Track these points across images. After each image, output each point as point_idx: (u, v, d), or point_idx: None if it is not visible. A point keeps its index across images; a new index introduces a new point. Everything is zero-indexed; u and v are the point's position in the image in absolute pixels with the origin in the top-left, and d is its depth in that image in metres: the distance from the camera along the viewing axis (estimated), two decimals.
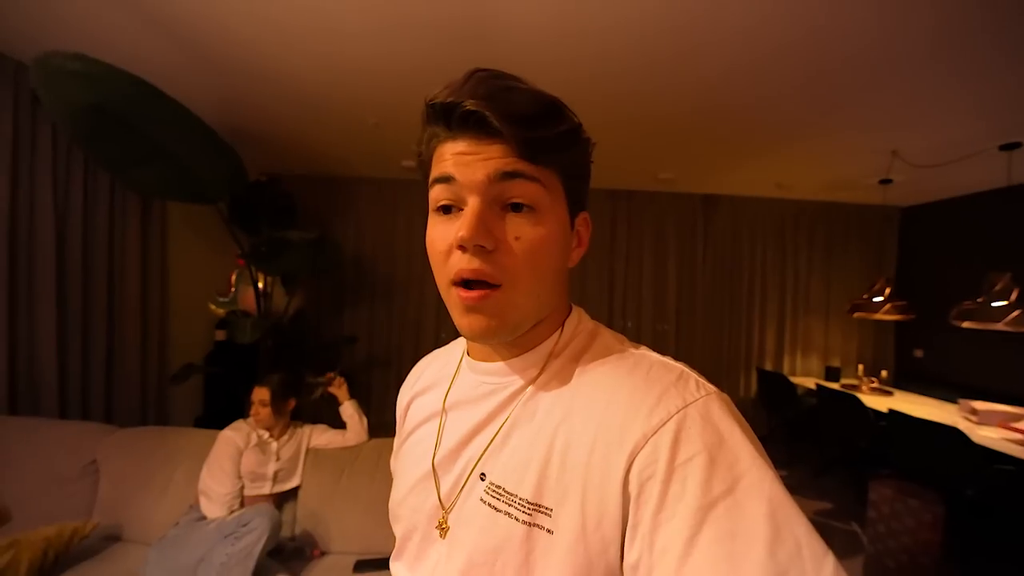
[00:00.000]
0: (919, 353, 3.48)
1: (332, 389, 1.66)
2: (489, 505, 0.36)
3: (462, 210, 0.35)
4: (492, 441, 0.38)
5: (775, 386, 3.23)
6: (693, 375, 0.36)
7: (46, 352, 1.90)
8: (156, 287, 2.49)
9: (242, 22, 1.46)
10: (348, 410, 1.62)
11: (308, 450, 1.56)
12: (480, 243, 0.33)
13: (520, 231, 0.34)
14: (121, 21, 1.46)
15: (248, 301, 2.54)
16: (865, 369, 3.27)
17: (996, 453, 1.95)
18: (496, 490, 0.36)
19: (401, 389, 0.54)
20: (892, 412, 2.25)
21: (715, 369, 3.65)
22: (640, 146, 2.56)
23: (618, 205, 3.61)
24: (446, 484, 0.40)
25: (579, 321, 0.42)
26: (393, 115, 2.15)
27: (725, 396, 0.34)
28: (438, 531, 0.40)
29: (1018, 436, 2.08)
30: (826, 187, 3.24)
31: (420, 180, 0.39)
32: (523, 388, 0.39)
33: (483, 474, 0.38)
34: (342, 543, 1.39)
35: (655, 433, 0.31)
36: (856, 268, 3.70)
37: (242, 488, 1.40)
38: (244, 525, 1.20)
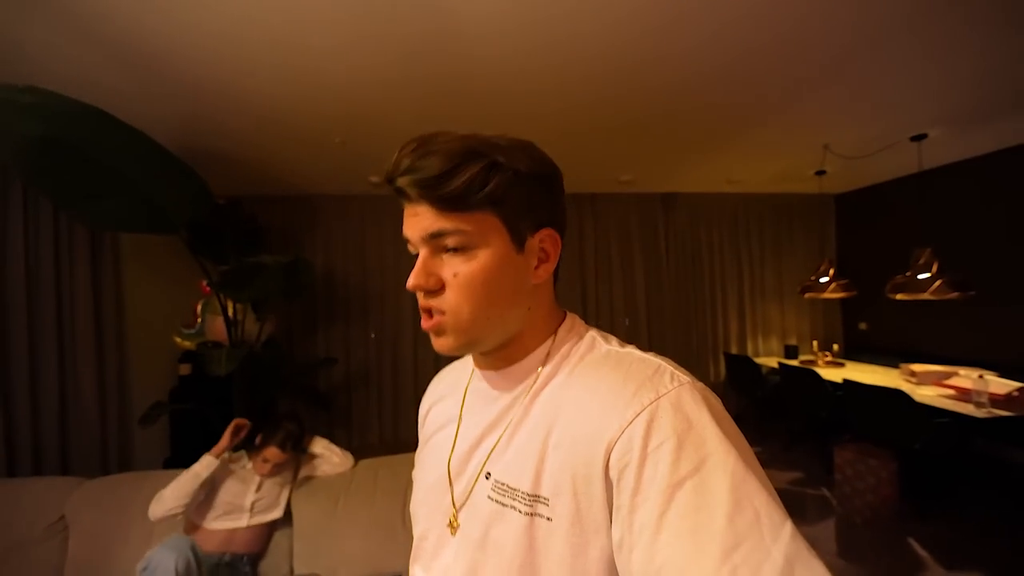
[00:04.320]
0: (864, 326, 3.83)
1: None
2: (496, 501, 0.40)
3: None
4: (497, 443, 0.42)
5: (742, 368, 3.44)
6: (669, 368, 0.39)
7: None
8: (111, 324, 2.34)
9: (198, 41, 1.42)
10: (318, 447, 1.56)
11: (296, 480, 1.52)
12: (422, 288, 0.40)
13: (456, 268, 0.40)
14: (67, 46, 1.39)
15: (217, 331, 2.42)
16: (819, 345, 3.56)
17: (935, 409, 2.18)
18: (501, 487, 0.40)
19: (423, 399, 0.59)
20: (846, 382, 2.47)
21: (685, 357, 3.84)
22: (600, 152, 2.69)
23: (583, 208, 3.74)
24: (459, 485, 0.45)
25: (572, 327, 0.47)
26: (359, 131, 2.14)
27: (700, 385, 0.37)
28: (449, 529, 0.44)
29: (950, 392, 2.34)
30: (771, 180, 3.51)
31: None
32: (523, 393, 0.43)
33: (488, 473, 0.42)
34: (348, 569, 1.36)
35: (629, 425, 0.34)
36: (802, 252, 4.02)
37: (196, 496, 1.35)
38: (144, 569, 1.14)
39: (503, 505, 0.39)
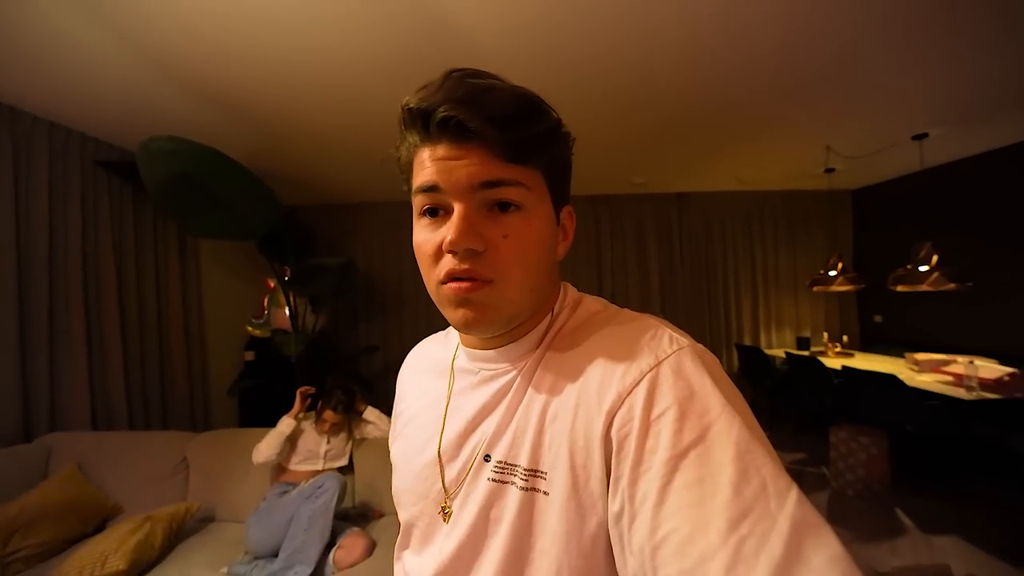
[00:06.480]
0: (878, 318, 3.89)
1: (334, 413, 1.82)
2: (497, 481, 0.38)
3: (449, 213, 0.35)
4: (496, 425, 0.40)
5: (753, 359, 3.61)
6: (667, 331, 0.37)
7: (115, 375, 2.22)
8: (195, 315, 2.80)
9: (281, 90, 1.80)
10: (371, 415, 1.90)
11: (357, 438, 1.89)
12: (470, 247, 0.34)
13: (508, 229, 0.35)
14: (192, 104, 1.81)
15: (280, 321, 2.85)
16: (830, 336, 3.67)
17: (932, 394, 2.32)
18: (500, 465, 0.38)
19: (401, 371, 0.56)
20: (844, 368, 2.63)
21: None
22: (614, 156, 2.94)
23: (599, 209, 3.99)
24: (451, 471, 0.42)
25: (565, 296, 0.45)
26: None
27: (699, 347, 0.36)
28: (441, 516, 0.42)
29: (947, 378, 2.47)
30: (781, 178, 3.65)
31: (401, 182, 0.39)
32: (520, 371, 0.41)
33: (488, 456, 0.39)
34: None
35: (629, 393, 0.33)
36: (818, 247, 4.10)
37: (284, 447, 1.71)
38: (319, 487, 1.52)
39: (503, 483, 0.38)
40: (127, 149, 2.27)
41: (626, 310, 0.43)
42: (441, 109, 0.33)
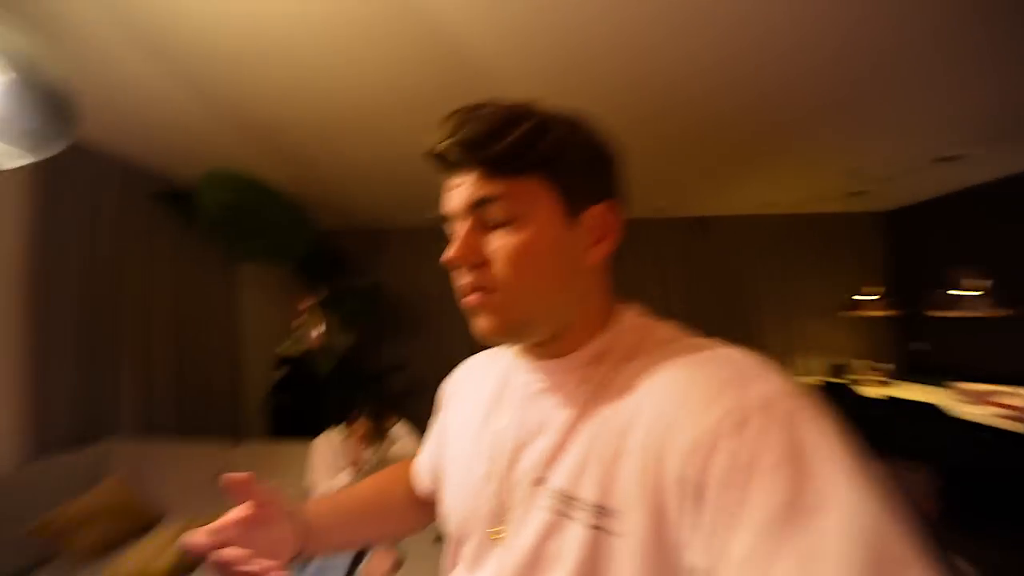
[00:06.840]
0: (918, 345, 3.68)
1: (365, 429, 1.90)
2: (553, 512, 0.36)
3: None
4: (551, 446, 0.38)
5: None
6: (773, 370, 0.33)
7: (162, 388, 2.36)
8: (232, 334, 2.97)
9: (316, 121, 1.93)
10: (400, 429, 1.98)
11: (385, 456, 1.94)
12: (461, 263, 0.38)
13: (499, 243, 0.37)
14: (232, 136, 1.99)
15: (312, 341, 2.98)
16: (866, 365, 3.49)
17: (981, 426, 2.17)
18: (559, 495, 0.36)
19: (449, 383, 0.57)
20: (889, 398, 2.50)
21: None
22: (634, 178, 2.98)
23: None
24: (504, 490, 0.40)
25: (633, 317, 0.42)
26: (427, 176, 2.63)
27: (810, 392, 0.32)
28: (493, 537, 0.40)
29: (1003, 411, 2.30)
30: (807, 200, 3.60)
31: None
32: (575, 390, 0.39)
33: (542, 479, 0.38)
34: None
35: (715, 434, 0.30)
36: (850, 272, 3.96)
37: (350, 474, 1.73)
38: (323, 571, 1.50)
39: (561, 515, 0.35)
40: (176, 181, 2.49)
41: (707, 339, 0.40)
42: (438, 147, 0.37)
